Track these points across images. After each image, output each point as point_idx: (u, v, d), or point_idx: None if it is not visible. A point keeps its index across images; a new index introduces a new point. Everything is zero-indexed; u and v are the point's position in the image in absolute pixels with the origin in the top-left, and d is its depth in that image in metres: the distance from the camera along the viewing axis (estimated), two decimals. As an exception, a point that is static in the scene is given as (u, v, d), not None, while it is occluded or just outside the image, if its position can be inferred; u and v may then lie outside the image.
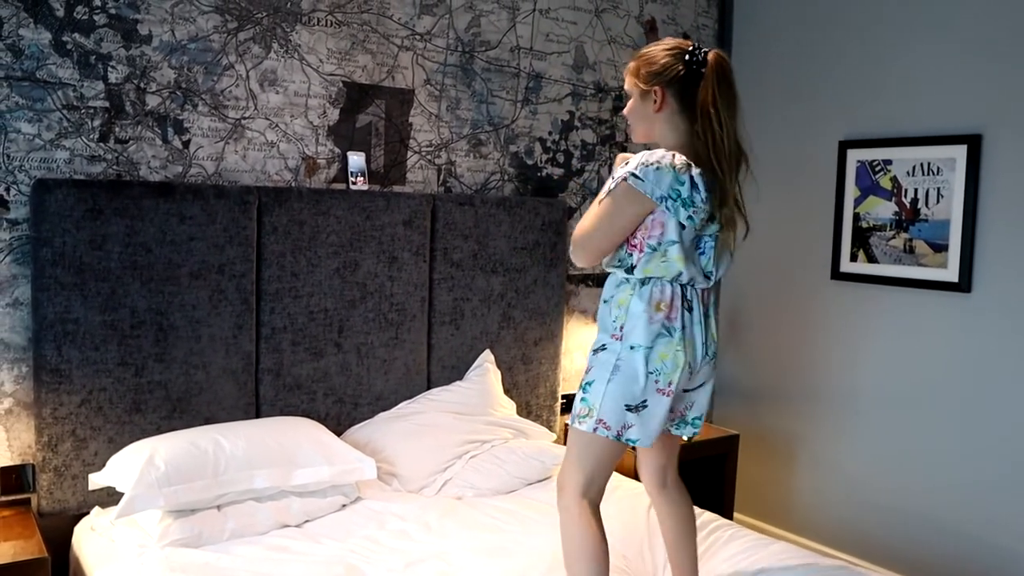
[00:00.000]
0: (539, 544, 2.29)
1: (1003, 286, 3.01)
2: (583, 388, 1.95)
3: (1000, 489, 3.02)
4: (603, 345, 1.94)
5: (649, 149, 1.92)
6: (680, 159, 1.85)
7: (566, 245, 3.33)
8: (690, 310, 1.93)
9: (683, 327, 1.91)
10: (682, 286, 1.92)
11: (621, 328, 1.92)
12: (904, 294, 3.30)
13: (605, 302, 2.00)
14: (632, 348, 1.89)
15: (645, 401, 1.89)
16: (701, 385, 2.04)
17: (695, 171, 1.85)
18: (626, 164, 1.90)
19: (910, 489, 3.29)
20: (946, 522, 3.18)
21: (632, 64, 1.98)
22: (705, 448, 3.44)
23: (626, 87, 2.00)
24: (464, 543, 2.30)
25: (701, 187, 1.84)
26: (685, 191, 1.83)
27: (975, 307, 3.09)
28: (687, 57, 1.89)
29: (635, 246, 1.91)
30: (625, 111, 2.03)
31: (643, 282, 1.91)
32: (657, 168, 1.83)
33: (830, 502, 3.58)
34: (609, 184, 1.91)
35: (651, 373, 1.89)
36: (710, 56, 1.89)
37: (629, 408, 1.89)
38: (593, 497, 1.95)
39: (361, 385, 2.88)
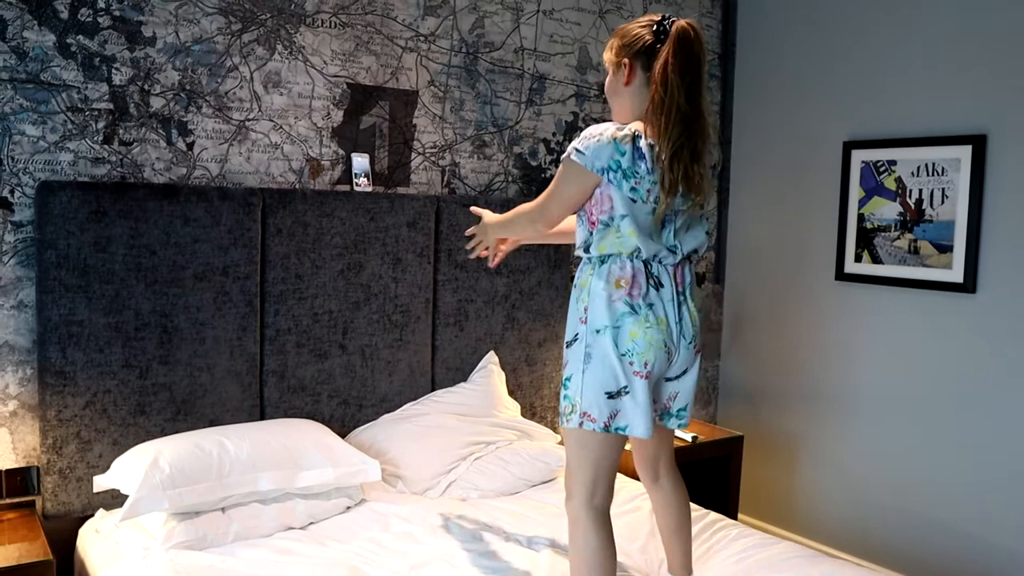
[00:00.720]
0: (543, 546, 2.29)
1: (1008, 287, 3.00)
2: (563, 384, 1.93)
3: (1004, 490, 3.02)
4: (575, 335, 1.92)
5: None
6: (627, 130, 1.84)
7: (570, 249, 3.33)
8: (658, 287, 1.90)
9: (651, 304, 1.88)
10: (645, 262, 1.89)
11: (585, 310, 1.90)
12: (909, 295, 3.29)
13: (575, 287, 1.98)
14: (598, 331, 1.87)
15: (626, 386, 1.86)
16: (684, 373, 2.00)
17: (643, 142, 1.83)
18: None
19: (914, 490, 3.28)
20: (950, 522, 3.17)
21: (610, 40, 1.97)
22: (709, 449, 3.43)
23: (604, 63, 2.00)
24: (469, 545, 2.29)
25: (648, 157, 1.81)
26: (626, 162, 1.82)
27: (980, 308, 3.08)
28: (655, 27, 1.87)
29: (592, 223, 1.90)
30: (605, 88, 2.02)
31: (602, 260, 1.90)
32: (597, 141, 1.84)
33: (834, 503, 3.57)
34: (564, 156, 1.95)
35: (624, 355, 1.85)
36: (675, 24, 1.86)
37: (610, 395, 1.86)
38: (600, 502, 1.92)
39: (365, 387, 2.88)
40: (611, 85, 1.97)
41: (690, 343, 1.96)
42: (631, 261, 1.89)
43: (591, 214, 1.91)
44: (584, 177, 1.87)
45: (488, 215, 2.34)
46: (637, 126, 1.86)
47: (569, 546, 1.96)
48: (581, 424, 1.88)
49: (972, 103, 3.08)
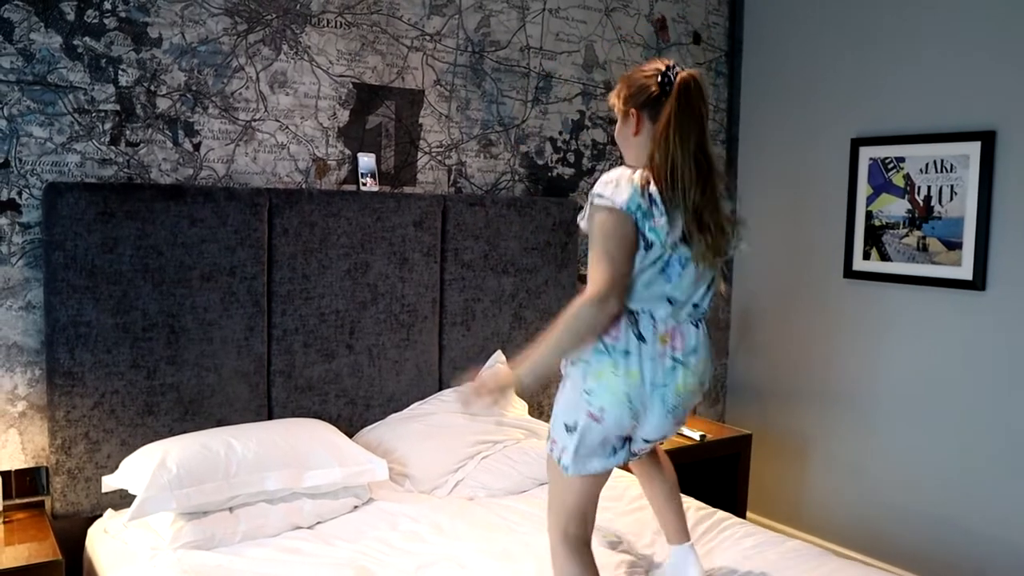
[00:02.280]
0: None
1: (1018, 283, 2.98)
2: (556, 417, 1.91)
3: (1015, 488, 3.00)
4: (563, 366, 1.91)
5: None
6: (640, 175, 1.80)
7: (578, 246, 3.33)
8: (641, 339, 1.81)
9: (626, 352, 1.80)
10: (632, 312, 1.82)
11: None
12: (918, 292, 3.28)
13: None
14: (572, 364, 1.86)
15: (576, 423, 1.83)
16: (663, 439, 1.95)
17: (654, 188, 1.78)
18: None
19: (923, 488, 3.27)
20: (959, 521, 3.15)
21: (617, 86, 1.95)
22: (718, 448, 3.42)
23: (612, 108, 1.97)
24: (476, 544, 2.29)
25: (660, 203, 1.77)
26: (645, 203, 1.77)
27: (989, 305, 3.06)
28: (659, 78, 1.84)
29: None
30: (615, 134, 1.99)
31: None
32: (616, 185, 1.79)
33: (843, 502, 3.56)
34: (583, 217, 1.87)
35: (585, 392, 1.82)
36: (679, 76, 1.83)
37: (567, 427, 1.84)
38: (574, 533, 1.88)
39: (373, 386, 2.88)
40: (620, 133, 1.95)
41: (669, 412, 1.85)
42: (658, 318, 1.84)
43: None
44: (623, 218, 1.77)
45: (499, 374, 1.92)
46: (646, 174, 1.81)
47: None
48: (551, 450, 1.89)
49: (981, 99, 3.06)
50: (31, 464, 2.43)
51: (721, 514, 2.57)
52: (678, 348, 1.84)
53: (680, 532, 2.18)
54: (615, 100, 1.94)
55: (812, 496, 3.69)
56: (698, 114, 1.82)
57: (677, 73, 1.84)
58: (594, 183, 1.88)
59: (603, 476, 1.90)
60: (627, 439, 1.87)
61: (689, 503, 2.58)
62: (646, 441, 1.91)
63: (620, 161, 3.56)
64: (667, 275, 1.83)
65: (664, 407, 1.84)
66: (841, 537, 3.56)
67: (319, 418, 2.74)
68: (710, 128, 1.88)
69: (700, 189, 1.80)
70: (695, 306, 1.88)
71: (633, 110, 1.88)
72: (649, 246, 1.79)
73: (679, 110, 1.79)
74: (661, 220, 1.77)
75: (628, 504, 2.55)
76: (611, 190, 1.78)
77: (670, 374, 1.83)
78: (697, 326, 1.89)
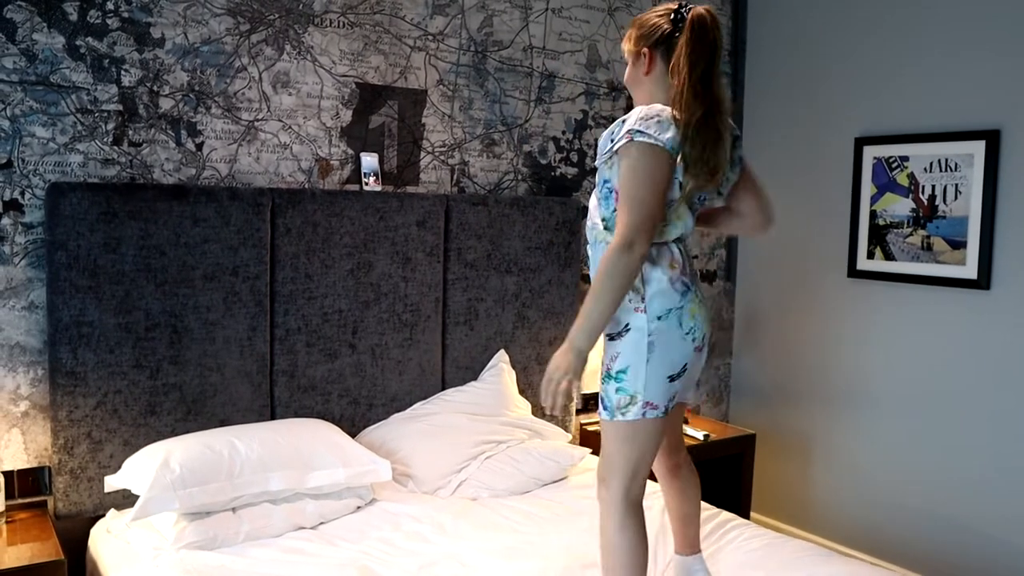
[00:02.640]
0: (555, 545, 2.28)
1: (1022, 282, 2.97)
2: (615, 378, 1.85)
3: (1020, 488, 2.99)
4: (626, 325, 1.84)
5: None
6: (667, 112, 1.79)
7: (580, 246, 3.32)
8: (690, 264, 1.93)
9: (695, 282, 1.92)
10: (676, 242, 1.91)
11: (643, 300, 1.84)
12: (922, 292, 3.27)
13: None
14: (660, 317, 1.82)
15: (686, 364, 1.87)
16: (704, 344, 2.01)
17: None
18: (620, 123, 1.82)
19: (928, 487, 3.26)
20: (964, 520, 3.14)
21: (628, 29, 1.93)
22: (721, 448, 3.41)
23: (624, 53, 1.95)
24: (479, 544, 2.29)
25: (689, 141, 1.77)
26: (680, 143, 1.76)
27: (994, 304, 3.05)
28: (672, 16, 1.84)
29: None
30: (624, 79, 1.97)
31: (657, 246, 1.86)
32: (659, 120, 1.76)
33: (848, 501, 3.55)
34: (604, 144, 1.85)
35: (687, 334, 1.85)
36: (692, 11, 1.81)
37: (672, 378, 1.85)
38: (636, 495, 1.89)
39: (376, 386, 2.87)
40: (631, 75, 1.94)
41: (708, 307, 2.01)
42: (676, 243, 1.90)
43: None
44: (661, 155, 1.74)
45: (559, 358, 1.84)
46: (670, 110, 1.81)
47: (600, 535, 1.92)
48: (644, 414, 1.84)
49: (985, 98, 3.05)
50: (34, 464, 2.43)
51: (725, 515, 2.56)
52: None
53: (691, 546, 2.16)
54: (626, 44, 1.92)
55: (816, 496, 3.68)
56: (711, 45, 1.80)
57: (690, 9, 1.82)
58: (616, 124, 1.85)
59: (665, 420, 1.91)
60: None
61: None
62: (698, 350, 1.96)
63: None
64: (693, 210, 1.93)
65: (707, 306, 1.96)
66: (846, 537, 3.55)
67: (322, 418, 2.74)
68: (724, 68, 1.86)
69: (701, 114, 1.77)
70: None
71: (645, 49, 1.87)
72: (681, 187, 1.82)
73: (690, 41, 1.78)
74: (695, 163, 1.79)
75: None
76: (655, 127, 1.74)
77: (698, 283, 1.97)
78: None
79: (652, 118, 1.76)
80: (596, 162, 1.91)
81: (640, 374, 1.83)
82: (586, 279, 3.53)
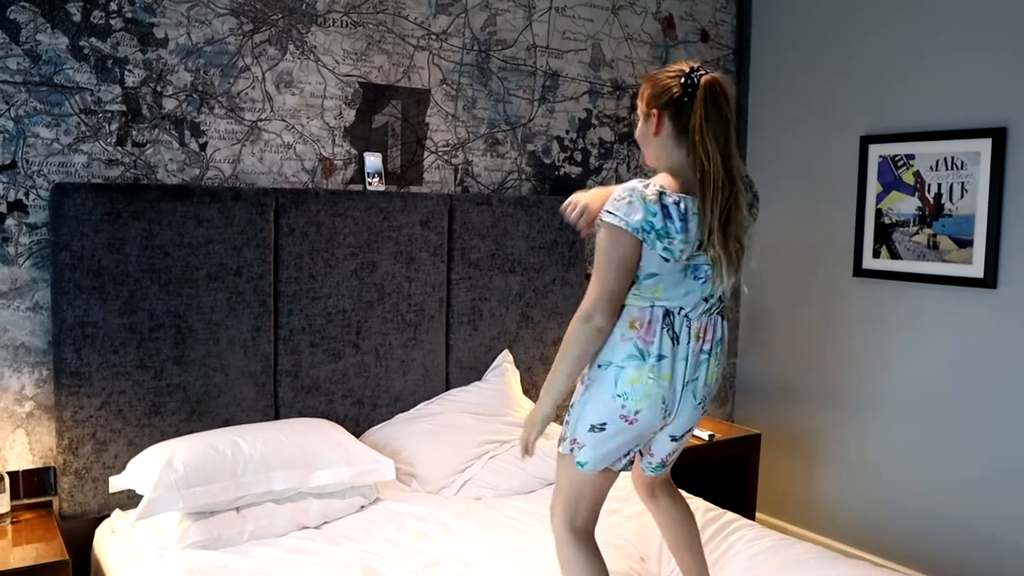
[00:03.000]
0: (559, 545, 2.28)
1: (1030, 281, 2.96)
2: (568, 409, 1.94)
3: (1028, 488, 2.97)
4: (587, 368, 1.91)
5: (656, 172, 1.91)
6: (653, 188, 1.79)
7: (584, 246, 3.31)
8: (676, 342, 1.84)
9: (660, 357, 1.83)
10: (667, 313, 1.84)
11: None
12: (928, 291, 3.25)
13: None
14: (600, 366, 1.86)
15: (604, 424, 1.85)
16: (687, 432, 1.99)
17: (671, 199, 1.79)
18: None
19: (934, 488, 3.24)
20: (970, 521, 3.13)
21: (641, 87, 1.94)
22: (727, 448, 3.40)
23: (637, 111, 1.97)
24: (483, 544, 2.29)
25: (675, 216, 1.78)
26: (659, 222, 1.77)
27: (1001, 303, 3.03)
28: (683, 80, 1.83)
29: None
30: (636, 135, 2.00)
31: (623, 305, 1.86)
32: (629, 202, 1.78)
33: (853, 502, 3.53)
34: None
35: (619, 396, 1.83)
36: (703, 79, 1.82)
37: (592, 428, 1.86)
38: (581, 525, 1.92)
39: (379, 386, 2.87)
40: (642, 133, 1.94)
41: (699, 404, 1.92)
42: (651, 308, 1.84)
43: None
44: (627, 238, 1.79)
45: (528, 423, 1.98)
46: (661, 181, 1.83)
47: (559, 563, 1.96)
48: (571, 451, 1.90)
49: (992, 95, 3.03)
50: (39, 464, 2.44)
51: (730, 515, 2.55)
52: (707, 341, 1.89)
53: (699, 572, 2.15)
54: (639, 103, 1.94)
55: (822, 496, 3.66)
56: (725, 118, 1.82)
57: (701, 76, 1.82)
58: (601, 182, 1.89)
59: (617, 473, 1.95)
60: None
61: (698, 504, 2.57)
62: (673, 438, 1.98)
63: (627, 160, 3.56)
64: (696, 275, 1.85)
65: (694, 400, 1.90)
66: (852, 538, 3.54)
67: (326, 418, 2.74)
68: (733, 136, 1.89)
69: (727, 196, 1.80)
70: (720, 299, 1.92)
71: (655, 110, 1.87)
72: (666, 260, 1.81)
73: (707, 114, 1.79)
74: (678, 239, 1.79)
75: (635, 506, 2.53)
76: (624, 208, 1.78)
77: (700, 368, 1.89)
78: (722, 316, 1.94)
79: (623, 199, 1.79)
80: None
81: (576, 411, 1.91)
82: (589, 278, 3.52)
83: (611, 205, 1.81)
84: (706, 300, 1.87)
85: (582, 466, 1.88)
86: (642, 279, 1.83)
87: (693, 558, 2.14)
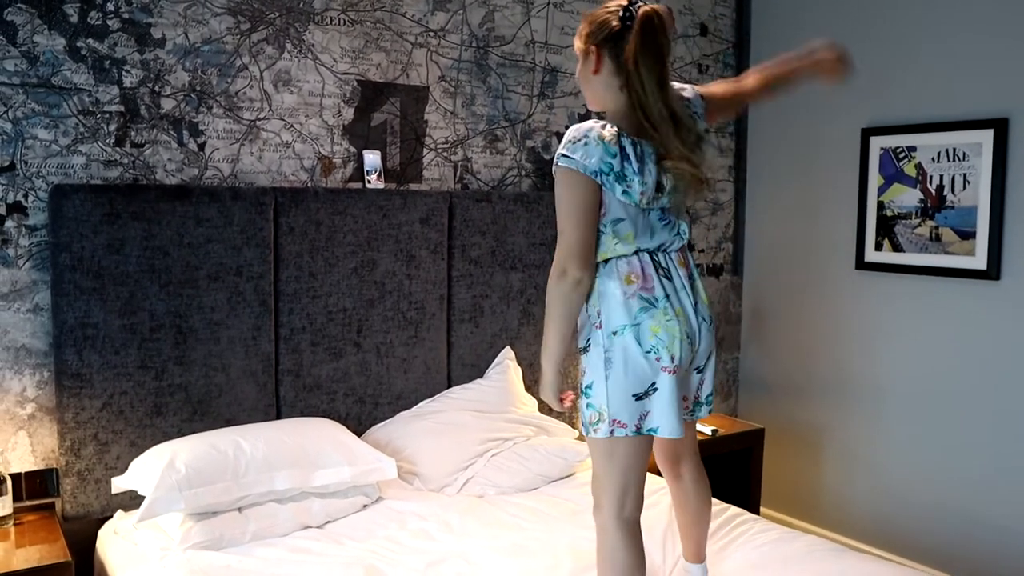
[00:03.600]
0: (562, 542, 2.28)
1: (1033, 273, 2.94)
2: (585, 394, 1.85)
3: (1033, 480, 2.96)
4: (587, 340, 1.85)
5: (600, 116, 1.84)
6: (610, 130, 1.74)
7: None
8: (669, 277, 1.83)
9: (667, 296, 1.80)
10: (651, 253, 1.83)
11: (599, 314, 1.82)
12: (931, 283, 3.24)
13: None
14: (615, 333, 1.79)
15: (654, 384, 1.79)
16: (708, 358, 1.94)
17: (627, 140, 1.74)
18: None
19: (939, 481, 3.23)
20: (975, 513, 3.12)
21: (580, 25, 1.87)
22: (731, 443, 3.40)
23: (575, 51, 1.90)
24: (486, 542, 2.28)
25: (632, 157, 1.73)
26: (617, 164, 1.73)
27: (1004, 295, 3.02)
28: (621, 13, 1.77)
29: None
30: (576, 75, 1.93)
31: (605, 261, 1.82)
32: (585, 143, 1.73)
33: (858, 495, 3.52)
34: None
35: (648, 352, 1.77)
36: (641, 9, 1.75)
37: (638, 396, 1.79)
38: (630, 513, 1.85)
39: (381, 384, 2.87)
40: (581, 73, 1.88)
41: (710, 325, 1.90)
42: (638, 257, 1.82)
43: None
44: (585, 181, 1.74)
45: (542, 387, 1.95)
46: (615, 121, 1.78)
47: (597, 558, 1.91)
48: (612, 432, 1.80)
49: (993, 86, 3.02)
50: (41, 466, 2.44)
51: (734, 510, 2.55)
52: (687, 265, 1.90)
53: (696, 555, 2.14)
54: (577, 41, 1.87)
55: (827, 490, 3.66)
56: (661, 50, 1.76)
57: (639, 7, 1.76)
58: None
59: (650, 441, 1.89)
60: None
61: (709, 486, 2.55)
62: (698, 370, 1.93)
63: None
64: (661, 219, 1.84)
65: (706, 324, 1.89)
66: (857, 531, 3.53)
67: (327, 417, 2.73)
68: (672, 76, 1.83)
69: (671, 130, 1.76)
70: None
71: (593, 47, 1.81)
72: (625, 205, 1.78)
73: (642, 45, 1.73)
74: (635, 180, 1.74)
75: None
76: (580, 151, 1.73)
77: (696, 290, 1.90)
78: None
79: (579, 140, 1.74)
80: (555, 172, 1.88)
81: (602, 391, 1.81)
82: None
83: (566, 147, 1.74)
84: (677, 237, 1.87)
85: (654, 431, 1.80)
86: (609, 225, 1.79)
87: (698, 534, 2.11)
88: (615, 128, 1.76)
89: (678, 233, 1.88)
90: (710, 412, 2.03)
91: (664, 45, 1.77)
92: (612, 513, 1.84)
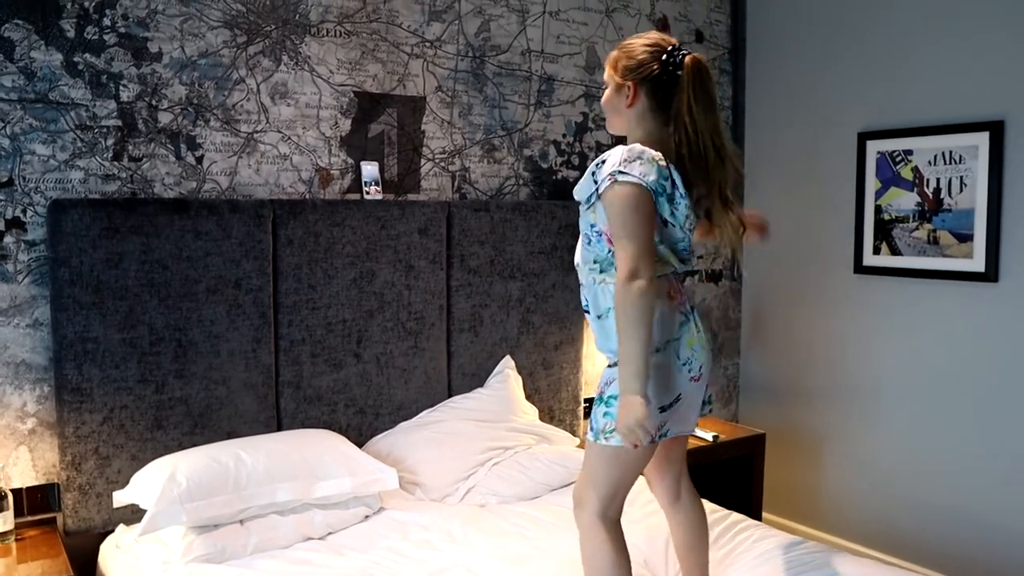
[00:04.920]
0: (564, 551, 2.27)
1: (1031, 274, 2.95)
2: (606, 402, 1.86)
3: (1035, 482, 2.96)
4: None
5: (624, 142, 1.91)
6: (657, 154, 1.82)
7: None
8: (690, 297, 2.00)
9: (693, 308, 1.96)
10: (675, 273, 1.94)
11: None
12: (929, 286, 3.24)
13: (600, 317, 1.92)
14: (658, 350, 1.84)
15: (679, 396, 1.88)
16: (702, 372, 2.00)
17: (672, 167, 1.85)
18: (599, 165, 1.84)
19: (940, 483, 3.23)
20: (977, 515, 3.11)
21: (612, 54, 1.94)
22: (731, 448, 3.39)
23: (605, 76, 1.97)
24: (488, 551, 2.28)
25: (679, 183, 1.85)
26: (668, 186, 1.83)
27: (1003, 297, 3.03)
28: (664, 57, 1.86)
29: (612, 241, 1.84)
30: (602, 101, 2.00)
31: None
32: (640, 161, 1.79)
33: (860, 499, 3.52)
34: (587, 190, 1.87)
35: (684, 364, 1.88)
36: (687, 60, 1.85)
37: (663, 409, 1.85)
38: (614, 515, 1.93)
39: (381, 395, 2.87)
40: (611, 101, 1.95)
41: (708, 333, 2.02)
42: (673, 275, 1.92)
43: (607, 232, 1.85)
44: (647, 195, 1.78)
45: (625, 410, 1.77)
46: (659, 154, 1.85)
47: (581, 557, 1.95)
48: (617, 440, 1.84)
49: (988, 89, 3.03)
50: (42, 481, 2.44)
51: (736, 516, 2.55)
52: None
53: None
54: (609, 69, 1.94)
55: (828, 494, 3.65)
56: (712, 98, 1.87)
57: (684, 55, 1.86)
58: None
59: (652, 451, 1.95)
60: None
61: (704, 506, 2.55)
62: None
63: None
64: (682, 241, 1.94)
65: (706, 333, 1.99)
66: (859, 535, 3.52)
67: (328, 428, 2.73)
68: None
69: (714, 174, 1.87)
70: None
71: (630, 83, 1.89)
72: (669, 226, 1.87)
73: (695, 95, 1.83)
74: (682, 204, 1.85)
75: (640, 510, 2.53)
76: (638, 168, 1.78)
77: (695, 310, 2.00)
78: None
79: (635, 160, 1.79)
80: (581, 207, 1.93)
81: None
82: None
83: (623, 166, 1.78)
84: (682, 262, 1.96)
85: (665, 435, 1.89)
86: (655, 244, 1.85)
87: (698, 558, 2.13)
88: (660, 154, 1.84)
89: (686, 259, 1.98)
90: (710, 411, 2.12)
91: (714, 91, 1.88)
92: (597, 513, 1.91)
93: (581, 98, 3.45)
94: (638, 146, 1.83)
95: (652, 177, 1.78)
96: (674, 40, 1.91)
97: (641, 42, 1.90)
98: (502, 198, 3.28)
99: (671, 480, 2.13)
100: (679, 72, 1.85)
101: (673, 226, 1.87)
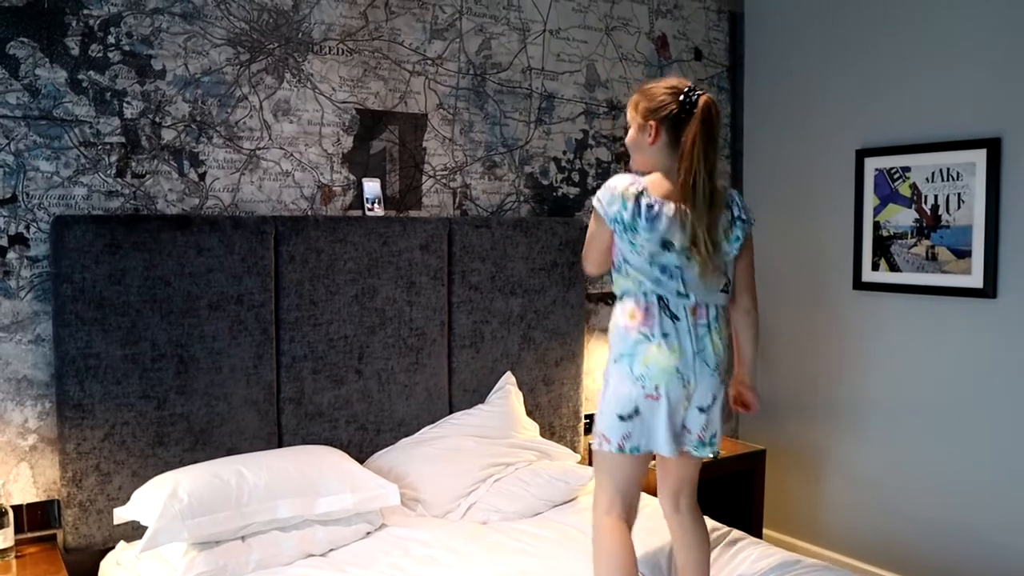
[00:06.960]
0: (565, 567, 2.27)
1: (1030, 291, 2.96)
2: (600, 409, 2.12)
3: (1036, 498, 2.96)
4: (607, 364, 2.12)
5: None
6: (635, 187, 2.02)
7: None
8: (675, 319, 2.04)
9: (665, 334, 2.02)
10: (660, 297, 2.04)
11: (609, 343, 2.11)
12: (928, 302, 3.26)
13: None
14: (615, 361, 2.06)
15: (637, 408, 2.01)
16: (713, 401, 2.09)
17: (647, 200, 2.01)
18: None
19: (940, 498, 3.23)
20: (977, 531, 3.11)
21: (634, 97, 2.13)
22: (732, 464, 3.39)
23: (627, 118, 2.15)
24: (490, 568, 2.27)
25: (643, 215, 2.00)
26: (627, 216, 2.01)
27: (1001, 313, 3.04)
28: (681, 97, 2.03)
29: (614, 264, 2.12)
30: (626, 140, 2.17)
31: (622, 297, 2.10)
32: (611, 193, 2.04)
33: (860, 514, 3.52)
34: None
35: (638, 379, 2.01)
36: (701, 99, 2.02)
37: (622, 418, 2.02)
38: (619, 514, 2.08)
39: (383, 411, 2.87)
40: (635, 141, 2.13)
41: (714, 371, 2.07)
42: (644, 297, 2.05)
43: (613, 255, 2.11)
44: (603, 223, 2.08)
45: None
46: (651, 181, 2.05)
47: (592, 551, 2.10)
48: (600, 445, 2.07)
49: (985, 106, 3.05)
50: (43, 497, 2.43)
51: (736, 533, 2.54)
52: (702, 316, 2.08)
53: None
54: (632, 112, 2.13)
55: (829, 510, 3.65)
56: (715, 137, 2.03)
57: (699, 95, 2.02)
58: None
59: (646, 457, 2.10)
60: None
61: (707, 526, 2.55)
62: (701, 410, 2.07)
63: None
64: (664, 272, 2.04)
65: (709, 368, 2.06)
66: (860, 552, 3.52)
67: (330, 444, 2.73)
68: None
69: (708, 210, 2.01)
70: (714, 295, 2.12)
71: (653, 122, 2.06)
72: (633, 252, 2.05)
73: (702, 132, 1.99)
74: (642, 235, 2.01)
75: (642, 523, 2.52)
76: (607, 199, 2.06)
77: (703, 339, 2.06)
78: (716, 307, 2.12)
79: (608, 191, 2.06)
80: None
81: (600, 407, 2.09)
82: (591, 299, 3.53)
83: (602, 192, 2.08)
84: (679, 294, 2.04)
85: (636, 450, 2.03)
86: (620, 263, 2.08)
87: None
88: (640, 188, 2.03)
89: (686, 294, 2.05)
90: (715, 455, 2.21)
91: (719, 131, 2.06)
92: (601, 511, 2.10)
93: (581, 115, 3.48)
94: (622, 181, 2.05)
95: (614, 208, 2.03)
96: (689, 82, 2.08)
97: (661, 85, 2.08)
98: (503, 215, 3.29)
99: (669, 493, 2.23)
100: (695, 111, 2.01)
101: (638, 254, 2.03)
